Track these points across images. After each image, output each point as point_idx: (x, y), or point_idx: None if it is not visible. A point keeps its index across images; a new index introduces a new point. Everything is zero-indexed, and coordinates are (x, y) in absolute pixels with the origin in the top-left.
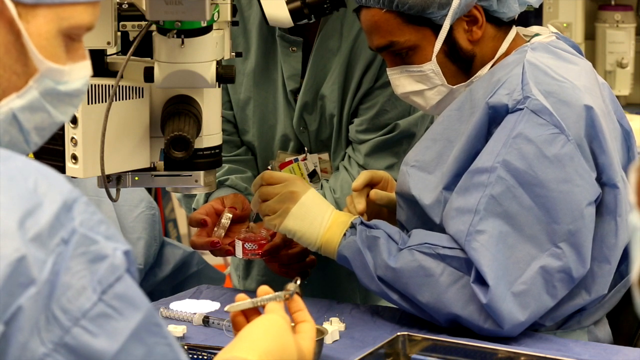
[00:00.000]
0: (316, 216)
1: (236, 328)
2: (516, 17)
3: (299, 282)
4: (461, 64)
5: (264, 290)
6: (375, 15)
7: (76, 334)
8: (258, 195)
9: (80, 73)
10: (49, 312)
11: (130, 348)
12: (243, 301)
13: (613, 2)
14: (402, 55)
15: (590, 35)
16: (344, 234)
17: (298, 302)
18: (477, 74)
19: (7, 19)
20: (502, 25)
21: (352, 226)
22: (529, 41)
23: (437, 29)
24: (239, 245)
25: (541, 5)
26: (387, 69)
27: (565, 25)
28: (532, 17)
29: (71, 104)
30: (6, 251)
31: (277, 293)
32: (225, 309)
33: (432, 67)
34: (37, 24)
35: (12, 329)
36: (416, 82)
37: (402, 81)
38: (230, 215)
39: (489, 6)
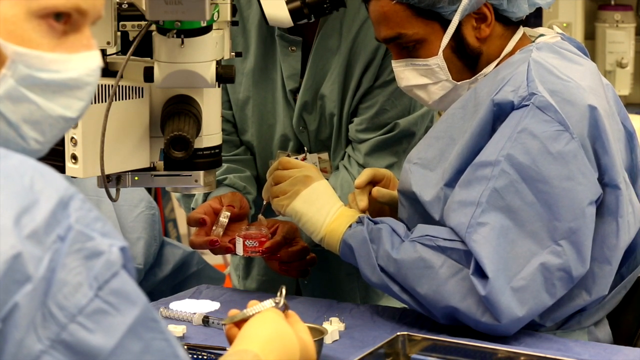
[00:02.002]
0: (325, 204)
1: (230, 340)
2: (524, 17)
3: (284, 291)
4: (467, 60)
5: (253, 304)
6: (385, 6)
7: (73, 330)
8: (272, 179)
9: (80, 63)
10: (45, 308)
11: (127, 344)
12: (235, 314)
13: (613, 2)
14: (409, 49)
15: (590, 35)
16: (350, 226)
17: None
18: (482, 72)
19: None
20: (510, 25)
21: (359, 221)
22: (534, 41)
23: (445, 23)
24: (239, 242)
25: None
26: (392, 61)
27: (565, 25)
28: (532, 16)
29: (73, 96)
30: (2, 248)
31: (266, 301)
32: (223, 322)
33: (438, 61)
34: (1, 8)
35: (9, 326)
36: (421, 76)
37: (406, 74)
38: (228, 214)
39: (499, 5)
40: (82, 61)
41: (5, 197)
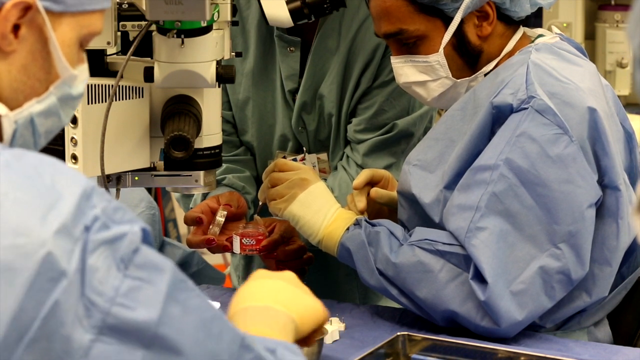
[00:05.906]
0: (322, 207)
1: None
2: (525, 17)
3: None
4: (467, 58)
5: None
6: (387, 1)
7: (116, 312)
8: (268, 181)
9: (83, 76)
10: (85, 298)
11: (168, 310)
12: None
13: (613, 2)
14: (409, 45)
15: (590, 35)
16: (347, 228)
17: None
18: (481, 70)
19: (37, 26)
20: (511, 24)
21: (357, 223)
22: (533, 42)
23: (447, 20)
24: (236, 240)
25: None
26: (391, 57)
27: (565, 25)
28: (532, 16)
29: (73, 106)
30: (31, 248)
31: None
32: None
33: (438, 58)
34: (62, 32)
35: (52, 324)
36: (420, 73)
37: (405, 70)
38: (225, 213)
39: (501, 4)
40: (84, 74)
41: (29, 198)
